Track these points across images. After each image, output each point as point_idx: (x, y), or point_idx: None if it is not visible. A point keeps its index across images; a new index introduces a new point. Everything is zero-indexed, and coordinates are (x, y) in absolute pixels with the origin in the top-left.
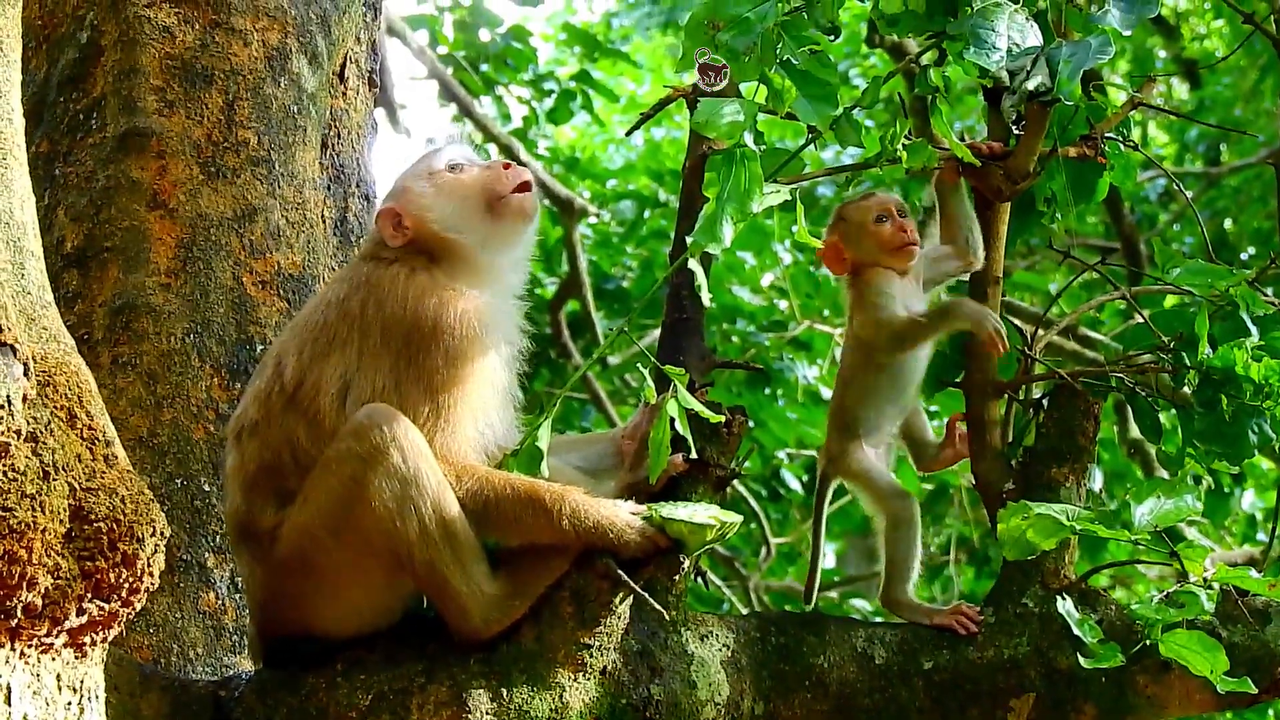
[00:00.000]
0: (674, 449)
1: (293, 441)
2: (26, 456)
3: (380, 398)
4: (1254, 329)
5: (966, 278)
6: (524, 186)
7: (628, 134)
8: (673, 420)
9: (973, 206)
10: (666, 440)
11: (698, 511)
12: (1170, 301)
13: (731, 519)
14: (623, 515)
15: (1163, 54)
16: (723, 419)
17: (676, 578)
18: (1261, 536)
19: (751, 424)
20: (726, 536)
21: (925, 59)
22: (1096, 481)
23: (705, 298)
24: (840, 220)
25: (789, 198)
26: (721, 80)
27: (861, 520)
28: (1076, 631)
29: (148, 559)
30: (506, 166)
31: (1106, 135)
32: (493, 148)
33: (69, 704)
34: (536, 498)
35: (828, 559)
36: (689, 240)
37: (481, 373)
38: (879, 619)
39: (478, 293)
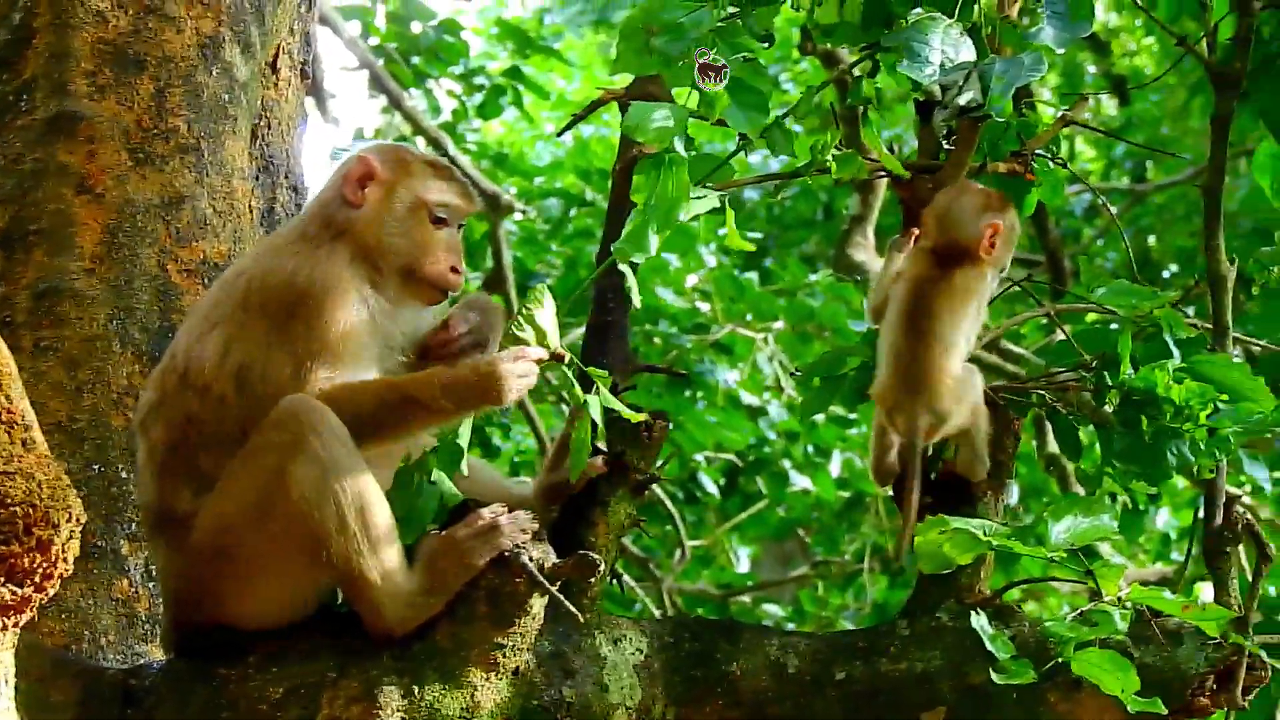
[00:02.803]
0: (594, 451)
1: (190, 415)
2: None
3: (254, 362)
4: (1176, 351)
5: None
6: (439, 293)
7: (559, 134)
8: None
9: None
10: (588, 440)
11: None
12: (1092, 318)
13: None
14: (480, 362)
15: (1092, 69)
16: (645, 418)
17: (592, 580)
18: (1175, 555)
19: (671, 426)
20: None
21: (858, 70)
22: (1014, 496)
23: (635, 300)
24: (1006, 212)
25: (718, 204)
26: (721, 81)
27: (777, 524)
28: (989, 647)
29: (62, 545)
30: (455, 269)
31: (1036, 152)
32: (421, 141)
33: None
34: (406, 392)
35: (741, 564)
36: (614, 248)
37: (345, 337)
38: (793, 627)
39: (359, 276)
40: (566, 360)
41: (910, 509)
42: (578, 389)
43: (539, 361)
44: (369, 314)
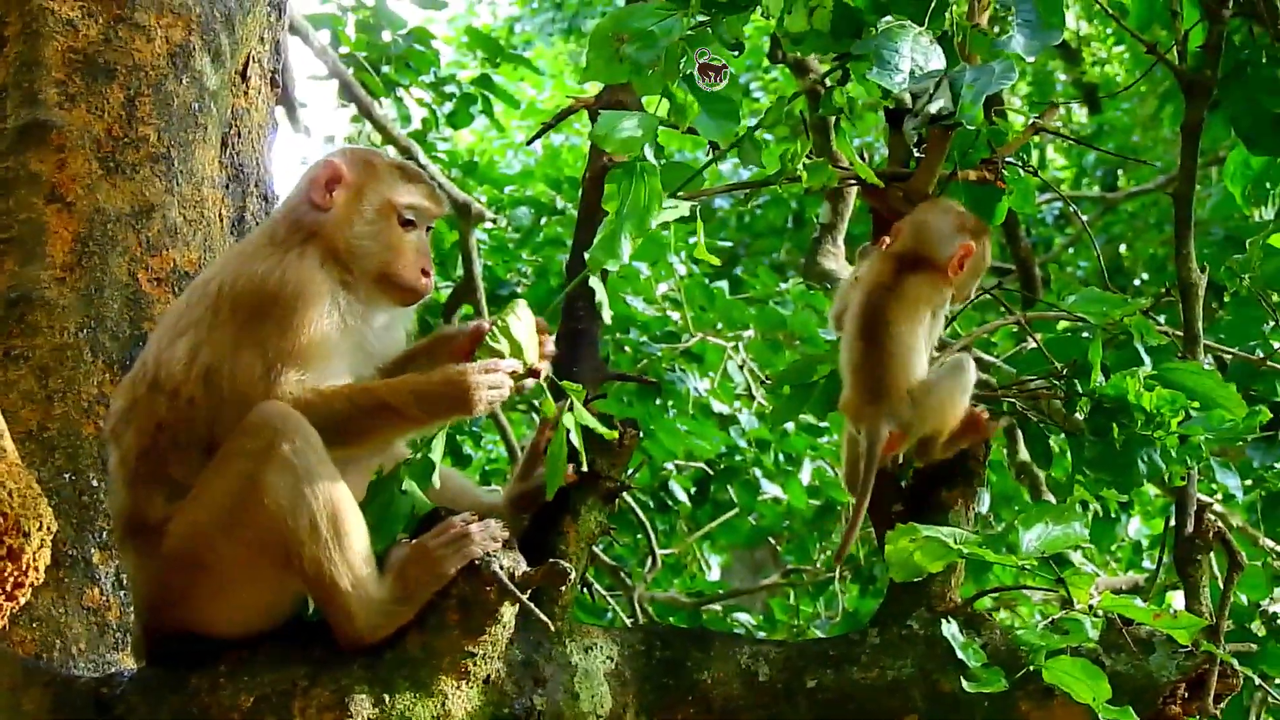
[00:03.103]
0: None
1: (159, 420)
2: None
3: (222, 363)
4: (1147, 359)
5: None
6: (411, 296)
7: (528, 142)
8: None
9: None
10: (563, 455)
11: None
12: (1063, 326)
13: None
14: (452, 371)
15: (1063, 77)
16: (616, 434)
17: (563, 588)
18: (1147, 564)
19: (641, 435)
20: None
21: (829, 80)
22: (984, 504)
23: (606, 316)
24: (982, 238)
25: (688, 213)
26: (721, 80)
27: (748, 533)
28: (961, 655)
29: (34, 553)
30: (425, 272)
31: (1006, 160)
32: (391, 150)
33: None
34: (378, 399)
35: (713, 572)
36: (588, 255)
37: (315, 338)
38: (763, 635)
39: (330, 279)
40: (542, 375)
41: (858, 515)
42: (550, 401)
43: (513, 375)
44: (340, 316)
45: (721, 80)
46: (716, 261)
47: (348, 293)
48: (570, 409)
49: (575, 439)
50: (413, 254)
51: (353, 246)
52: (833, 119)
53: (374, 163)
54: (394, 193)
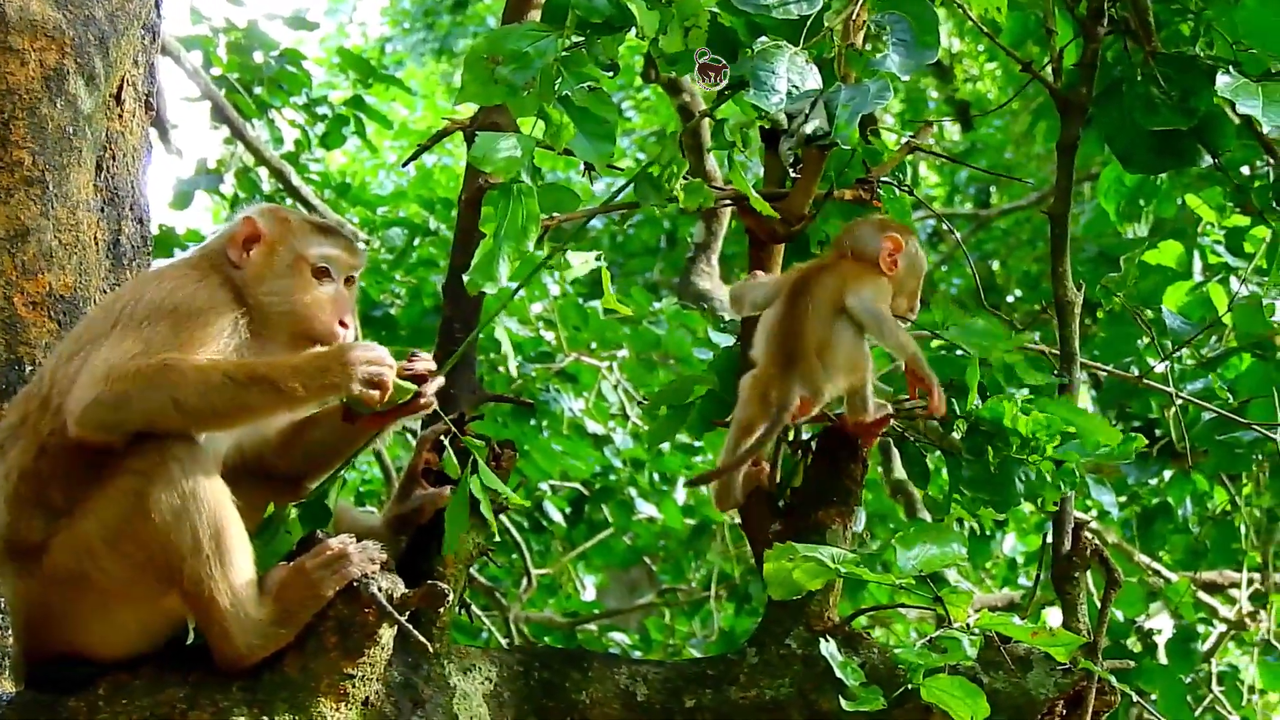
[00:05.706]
0: (441, 481)
1: (44, 442)
2: None
3: (100, 356)
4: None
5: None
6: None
7: (404, 164)
8: (442, 451)
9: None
10: (465, 514)
11: None
12: (937, 345)
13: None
14: (330, 348)
15: (935, 94)
16: (520, 499)
17: (441, 610)
18: (1023, 580)
19: (517, 455)
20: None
21: (706, 101)
22: (860, 522)
23: (513, 368)
24: (909, 236)
25: (595, 264)
26: (721, 80)
27: (623, 552)
28: (839, 674)
29: None
30: (344, 323)
31: (881, 179)
32: (264, 172)
33: None
34: (256, 372)
35: (588, 592)
36: (466, 278)
37: (206, 344)
38: (639, 654)
39: (236, 312)
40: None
41: (746, 448)
42: (454, 462)
43: (401, 374)
44: (237, 346)
45: (720, 80)
46: (628, 312)
47: (251, 336)
48: (474, 470)
49: (485, 510)
50: (329, 305)
51: (265, 301)
52: (728, 155)
53: (289, 218)
54: (306, 246)
